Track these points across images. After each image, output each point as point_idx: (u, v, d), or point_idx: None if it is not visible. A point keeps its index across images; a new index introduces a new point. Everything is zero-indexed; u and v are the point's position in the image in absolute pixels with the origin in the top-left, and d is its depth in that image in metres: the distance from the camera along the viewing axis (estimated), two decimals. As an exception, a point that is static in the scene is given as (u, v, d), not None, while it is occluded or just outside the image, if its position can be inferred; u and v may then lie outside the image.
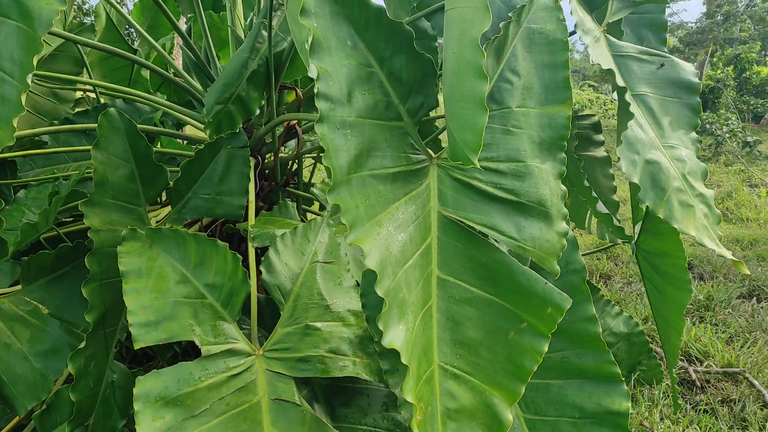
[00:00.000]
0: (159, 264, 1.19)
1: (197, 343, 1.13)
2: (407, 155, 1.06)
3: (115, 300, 1.25)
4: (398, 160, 1.04)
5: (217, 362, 1.14)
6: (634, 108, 1.58)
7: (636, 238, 2.10)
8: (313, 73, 0.94)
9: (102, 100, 2.32)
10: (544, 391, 1.30)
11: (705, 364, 2.73)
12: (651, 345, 2.58)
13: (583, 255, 2.31)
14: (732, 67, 15.32)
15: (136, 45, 2.78)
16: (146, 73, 2.57)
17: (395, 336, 0.94)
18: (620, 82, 1.55)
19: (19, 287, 1.33)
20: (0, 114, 1.00)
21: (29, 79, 1.02)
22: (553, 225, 1.12)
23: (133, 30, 2.78)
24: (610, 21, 1.72)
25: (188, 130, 2.65)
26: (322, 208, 2.00)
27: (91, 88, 2.33)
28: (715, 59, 17.45)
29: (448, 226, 1.09)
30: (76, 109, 2.28)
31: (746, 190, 7.00)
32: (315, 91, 0.94)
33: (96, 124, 1.72)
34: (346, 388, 1.32)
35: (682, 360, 2.79)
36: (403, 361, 0.93)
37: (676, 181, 1.63)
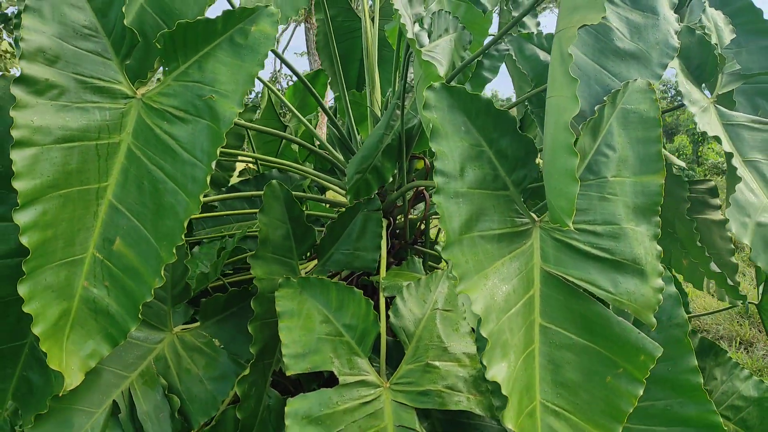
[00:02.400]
0: (307, 307, 1.45)
1: (336, 373, 1.37)
2: (512, 219, 1.25)
3: (272, 336, 1.53)
4: (504, 223, 1.24)
5: (352, 391, 1.37)
6: (741, 172, 1.66)
7: (760, 299, 2.10)
8: (433, 154, 1.18)
9: (261, 170, 2.71)
10: (648, 439, 1.39)
11: None
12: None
13: (703, 315, 2.32)
14: None
15: (287, 120, 3.19)
16: (295, 146, 2.96)
17: (498, 371, 1.11)
18: (727, 147, 1.64)
19: (197, 324, 1.65)
20: (192, 190, 1.31)
21: (213, 164, 1.32)
22: (648, 281, 1.24)
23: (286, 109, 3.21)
24: (720, 92, 1.82)
25: (329, 195, 2.99)
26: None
27: (252, 159, 2.74)
28: None
29: (550, 280, 1.26)
30: (239, 178, 2.69)
31: None
32: (433, 168, 1.17)
33: (256, 191, 2.06)
34: (461, 423, 1.49)
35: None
36: (504, 392, 1.10)
37: (789, 244, 1.66)
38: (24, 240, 1.18)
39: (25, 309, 1.20)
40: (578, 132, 1.26)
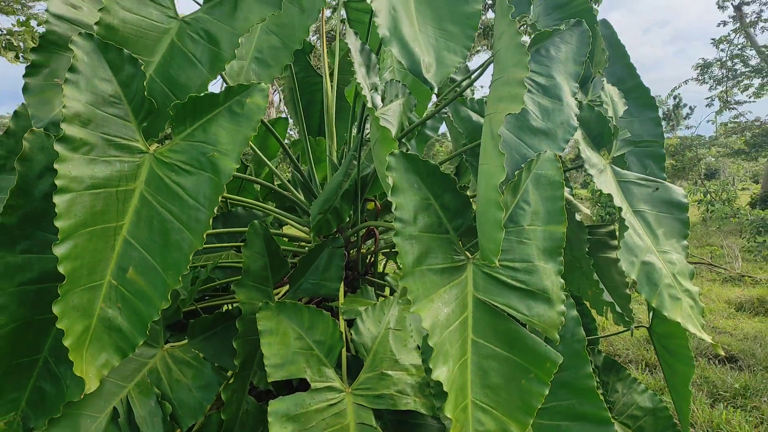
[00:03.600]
0: (284, 326, 1.77)
1: (308, 380, 1.68)
2: (452, 256, 1.61)
3: (252, 351, 1.83)
4: (446, 259, 1.60)
5: (321, 395, 1.68)
6: (630, 222, 2.09)
7: (650, 323, 2.54)
8: (392, 205, 1.53)
9: (227, 207, 3.00)
10: (556, 430, 1.76)
11: (731, 444, 3.03)
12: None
13: (601, 337, 2.75)
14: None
15: (248, 160, 3.50)
16: (257, 184, 3.26)
17: (440, 373, 1.45)
18: (617, 203, 2.07)
19: (185, 341, 1.92)
20: (196, 229, 1.60)
21: (215, 209, 1.63)
22: (554, 306, 1.62)
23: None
24: (615, 155, 2.26)
25: (287, 230, 3.29)
26: (392, 292, 2.55)
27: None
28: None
29: (480, 305, 1.62)
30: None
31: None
32: (393, 216, 1.52)
33: (223, 228, 2.35)
34: (407, 422, 1.82)
35: (711, 440, 3.10)
36: (445, 389, 1.44)
37: (667, 279, 2.10)
38: (61, 268, 1.45)
39: (58, 325, 1.45)
40: (502, 191, 1.65)
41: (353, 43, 2.13)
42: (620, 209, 2.06)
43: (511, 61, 1.55)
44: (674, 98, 30.76)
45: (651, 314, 2.54)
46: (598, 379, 2.71)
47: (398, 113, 2.32)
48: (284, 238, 3.01)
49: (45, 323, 1.66)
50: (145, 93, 1.63)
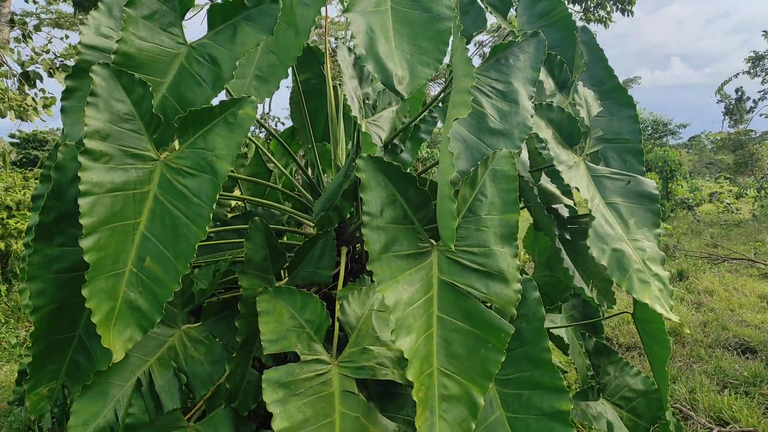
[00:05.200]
0: (279, 307, 2.03)
1: (299, 353, 1.94)
2: (417, 244, 1.85)
3: (253, 331, 2.10)
4: (411, 247, 1.84)
5: (310, 366, 1.94)
6: (599, 212, 2.27)
7: (633, 309, 2.71)
8: (361, 200, 1.78)
9: (248, 207, 3.30)
10: (518, 399, 1.96)
11: (729, 426, 3.14)
12: (676, 404, 3.06)
13: (587, 322, 2.91)
14: None
15: (272, 166, 3.80)
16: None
17: (402, 343, 1.69)
18: (584, 195, 2.26)
19: (199, 323, 2.22)
20: (200, 223, 1.88)
21: (213, 205, 1.90)
22: (510, 285, 1.83)
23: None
24: (588, 152, 2.45)
25: (306, 228, 3.58)
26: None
27: (242, 199, 3.33)
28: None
29: (444, 285, 1.85)
30: (231, 214, 3.28)
31: None
32: (362, 210, 1.77)
33: (244, 225, 2.65)
34: (390, 392, 2.06)
35: (711, 421, 3.21)
36: (405, 356, 1.68)
37: (637, 264, 2.27)
38: (86, 258, 1.76)
39: (87, 305, 1.76)
40: (457, 185, 1.88)
41: (344, 58, 2.39)
42: (589, 200, 2.24)
43: (461, 72, 1.78)
44: (736, 91, 29.75)
45: (634, 301, 2.70)
46: (588, 362, 2.89)
47: (391, 119, 2.57)
48: (301, 236, 3.29)
49: (79, 305, 1.96)
50: (156, 110, 1.92)
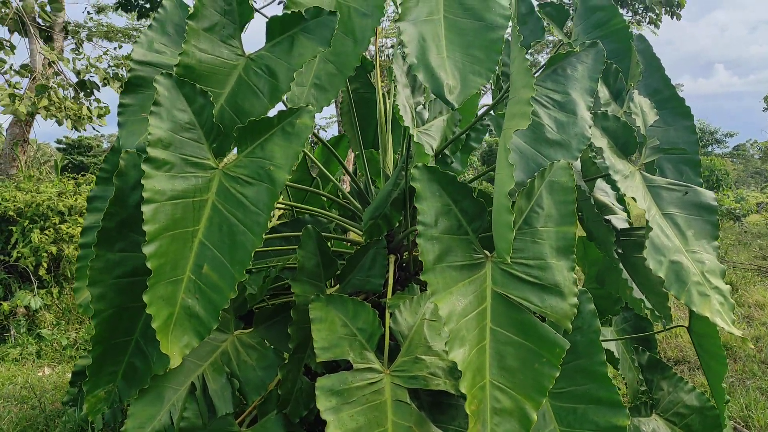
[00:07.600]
0: (331, 315, 2.05)
1: (351, 361, 1.95)
2: (471, 255, 1.85)
3: (305, 337, 2.12)
4: (465, 257, 1.83)
5: (362, 374, 1.95)
6: (659, 222, 2.22)
7: (689, 323, 2.64)
8: (417, 210, 1.78)
9: (296, 215, 3.34)
10: (573, 413, 1.94)
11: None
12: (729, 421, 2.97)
13: (648, 334, 2.86)
14: None
15: (316, 173, 3.83)
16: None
17: (456, 354, 1.69)
18: (641, 205, 2.21)
19: (252, 329, 2.25)
20: (256, 231, 1.91)
21: (271, 213, 1.94)
22: (566, 299, 1.81)
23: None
24: (644, 162, 2.40)
25: (350, 236, 3.60)
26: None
27: (289, 206, 3.37)
28: None
29: (498, 297, 1.83)
30: (278, 221, 3.32)
31: None
32: (417, 220, 1.77)
33: (292, 232, 2.68)
34: (441, 402, 2.05)
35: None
36: (459, 368, 1.67)
37: (696, 277, 2.22)
38: (148, 264, 1.80)
39: (147, 311, 1.80)
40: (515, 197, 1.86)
41: (399, 67, 2.40)
42: (646, 211, 2.20)
43: (520, 83, 1.78)
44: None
45: (690, 315, 2.63)
46: (641, 377, 2.83)
47: (441, 128, 2.57)
48: (347, 243, 3.31)
49: (137, 310, 2.02)
50: (215, 119, 1.96)
